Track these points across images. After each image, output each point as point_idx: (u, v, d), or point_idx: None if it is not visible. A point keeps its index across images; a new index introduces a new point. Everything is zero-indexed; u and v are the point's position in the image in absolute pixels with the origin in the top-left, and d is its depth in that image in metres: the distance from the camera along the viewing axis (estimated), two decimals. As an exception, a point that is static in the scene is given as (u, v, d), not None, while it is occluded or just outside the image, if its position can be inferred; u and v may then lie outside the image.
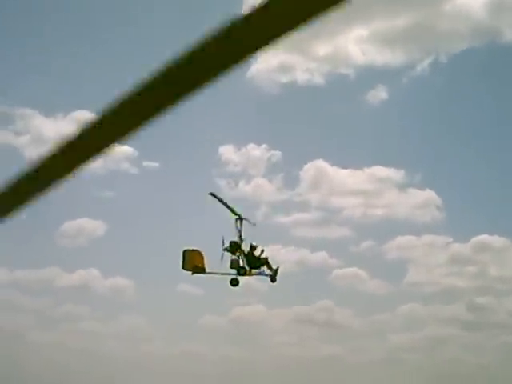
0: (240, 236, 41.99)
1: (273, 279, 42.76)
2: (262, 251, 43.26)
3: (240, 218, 42.16)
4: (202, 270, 42.06)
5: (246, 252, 42.25)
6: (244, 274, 42.25)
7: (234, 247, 42.20)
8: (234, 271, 42.13)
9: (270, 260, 43.08)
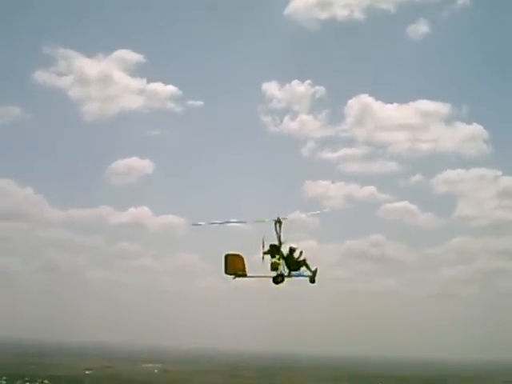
0: (279, 238, 42.77)
1: (312, 280, 43.59)
2: (301, 253, 44.65)
3: (279, 221, 42.63)
4: (244, 275, 43.01)
5: (285, 255, 43.41)
6: (282, 281, 43.05)
7: (274, 250, 43.42)
8: (274, 273, 43.53)
9: (308, 261, 42.77)
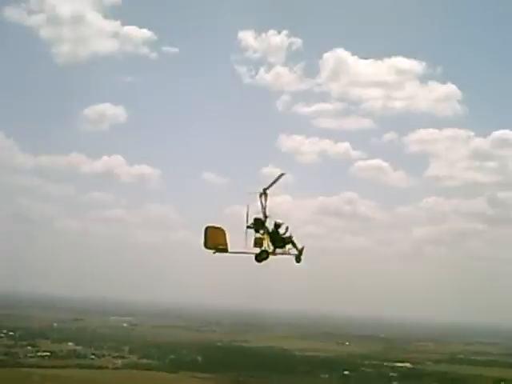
0: (264, 212, 39.91)
1: (298, 259, 41.31)
2: (287, 229, 41.44)
3: (265, 193, 39.76)
4: (225, 250, 39.93)
5: (270, 230, 40.30)
6: (265, 259, 40.17)
7: (258, 224, 40.48)
8: (257, 249, 40.18)
9: (294, 239, 41.08)
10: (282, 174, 41.01)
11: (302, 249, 40.89)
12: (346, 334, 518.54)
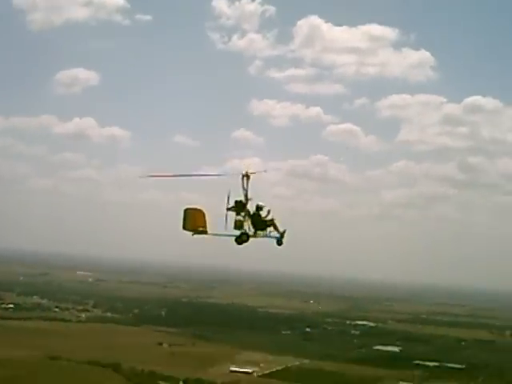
0: (246, 195, 38.55)
1: (279, 242, 40.30)
2: (269, 212, 40.34)
3: (247, 175, 38.45)
4: (204, 231, 38.69)
5: (251, 213, 39.25)
6: (246, 241, 39.39)
7: (239, 207, 39.05)
8: (238, 232, 39.13)
9: (276, 221, 40.12)
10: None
11: (284, 232, 40.26)
12: (313, 293, 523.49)
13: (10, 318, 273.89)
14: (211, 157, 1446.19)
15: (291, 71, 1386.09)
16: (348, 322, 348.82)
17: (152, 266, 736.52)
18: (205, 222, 37.90)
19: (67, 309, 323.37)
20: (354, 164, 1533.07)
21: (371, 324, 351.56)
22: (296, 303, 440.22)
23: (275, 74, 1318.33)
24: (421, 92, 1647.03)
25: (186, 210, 38.40)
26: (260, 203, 39.05)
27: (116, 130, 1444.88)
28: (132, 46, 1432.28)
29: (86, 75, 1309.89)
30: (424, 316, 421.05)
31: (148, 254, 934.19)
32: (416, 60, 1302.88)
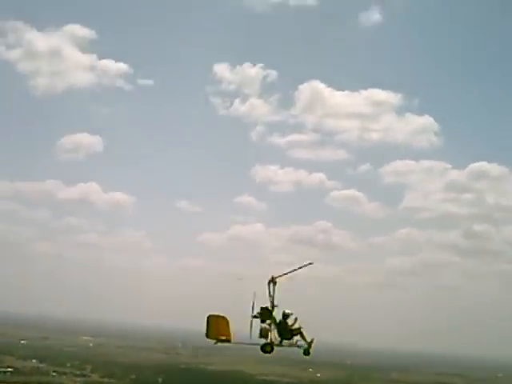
0: (272, 301, 38.75)
1: (306, 352, 39.84)
2: (296, 320, 40.32)
3: (273, 281, 38.66)
4: (227, 340, 38.97)
5: (277, 321, 39.13)
6: (271, 351, 39.46)
7: (265, 314, 39.23)
8: (263, 340, 39.16)
9: (303, 330, 39.98)
10: (310, 263, 40.95)
11: (312, 341, 39.65)
12: (312, 361, 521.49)
13: (7, 382, 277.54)
14: (213, 222, 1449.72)
15: (293, 136, 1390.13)
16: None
17: (153, 331, 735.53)
18: (228, 330, 38.50)
19: (65, 373, 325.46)
20: (358, 230, 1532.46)
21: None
22: (295, 371, 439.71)
23: (277, 139, 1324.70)
24: (424, 158, 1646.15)
25: (208, 317, 38.56)
26: (287, 311, 39.45)
27: (120, 195, 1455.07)
28: (134, 111, 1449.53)
29: (90, 140, 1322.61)
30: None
31: (150, 319, 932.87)
32: (419, 125, 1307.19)
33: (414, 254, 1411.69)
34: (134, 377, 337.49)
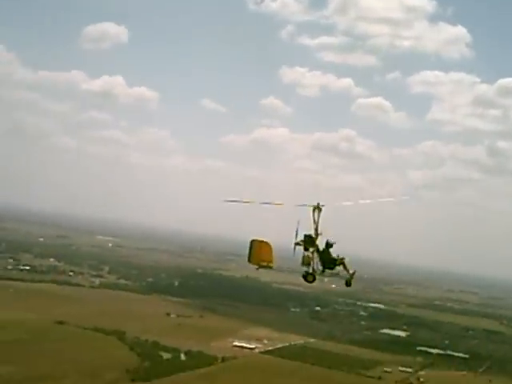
0: (316, 229, 36.46)
1: (348, 283, 38.55)
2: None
3: (318, 207, 36.12)
4: (269, 266, 37.32)
5: (321, 249, 37.11)
6: (313, 281, 37.65)
7: (308, 242, 36.93)
8: (305, 268, 37.31)
9: (346, 261, 38.24)
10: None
11: (354, 273, 37.96)
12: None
13: (23, 280, 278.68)
14: (239, 124, 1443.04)
15: (323, 39, 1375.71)
16: (359, 303, 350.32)
17: (172, 234, 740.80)
18: (271, 256, 36.78)
19: (81, 273, 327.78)
20: (382, 140, 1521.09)
21: (382, 307, 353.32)
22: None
23: (307, 40, 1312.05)
24: (454, 70, 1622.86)
25: (252, 242, 36.95)
26: (331, 240, 37.23)
27: (144, 90, 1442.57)
28: (164, 4, 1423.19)
29: (115, 30, 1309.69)
30: (436, 302, 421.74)
31: (170, 221, 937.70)
32: (452, 35, 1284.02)
33: (436, 168, 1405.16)
34: (150, 279, 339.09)
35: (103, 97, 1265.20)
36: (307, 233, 36.65)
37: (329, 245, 37.00)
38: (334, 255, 36.62)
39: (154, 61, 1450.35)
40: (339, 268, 37.52)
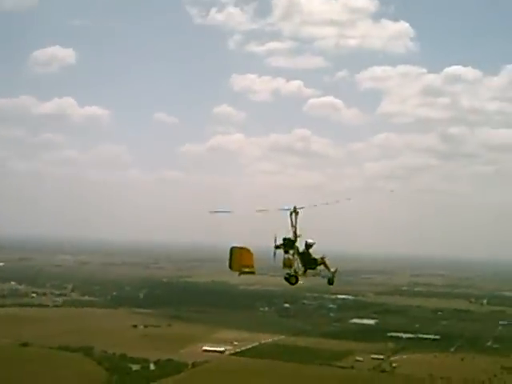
0: (295, 232, 36.25)
1: (330, 281, 38.04)
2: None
3: (295, 211, 36.17)
4: (251, 272, 36.97)
5: (300, 250, 37.07)
6: (296, 282, 37.32)
7: (288, 245, 36.71)
8: (287, 270, 37.47)
9: (327, 260, 38.10)
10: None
11: (335, 271, 37.59)
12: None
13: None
14: (193, 133, 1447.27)
15: (271, 45, 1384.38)
16: (327, 296, 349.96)
17: (137, 247, 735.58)
18: (252, 261, 36.59)
19: (44, 294, 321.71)
20: (337, 137, 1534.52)
21: (350, 297, 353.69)
22: (279, 279, 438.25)
23: (255, 48, 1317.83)
24: (401, 63, 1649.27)
25: (232, 249, 36.68)
26: (310, 240, 35.94)
27: (96, 109, 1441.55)
28: (108, 21, 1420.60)
29: (63, 53, 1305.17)
30: (404, 288, 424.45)
31: (133, 234, 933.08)
32: (395, 31, 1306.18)
33: (393, 159, 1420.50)
34: (115, 293, 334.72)
35: (56, 119, 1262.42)
36: (286, 236, 36.52)
37: (308, 246, 37.10)
38: (315, 255, 36.73)
39: (104, 79, 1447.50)
40: (320, 267, 37.76)
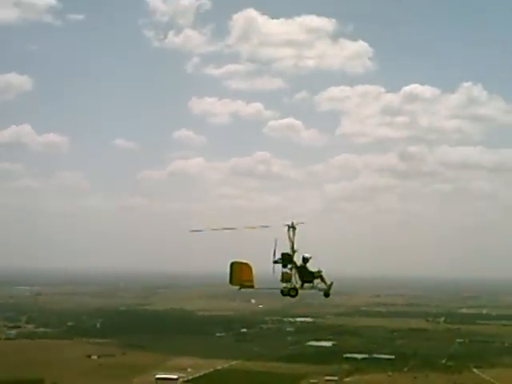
0: (292, 247, 37.77)
1: (326, 294, 39.75)
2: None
3: (292, 226, 37.59)
4: (251, 286, 38.17)
5: (298, 265, 38.33)
6: (295, 296, 38.76)
7: (286, 260, 38.14)
8: (284, 284, 38.69)
9: (323, 274, 39.52)
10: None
11: (331, 284, 39.63)
12: (256, 292, 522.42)
13: None
14: (153, 158, 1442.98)
15: (229, 67, 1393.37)
16: (286, 320, 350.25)
17: (95, 276, 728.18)
18: (251, 276, 37.89)
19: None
20: (297, 159, 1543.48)
21: (309, 320, 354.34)
22: (237, 304, 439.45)
23: (213, 70, 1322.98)
24: (360, 83, 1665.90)
25: (232, 264, 37.93)
26: (306, 255, 38.80)
27: (54, 137, 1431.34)
28: (65, 47, 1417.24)
29: (19, 80, 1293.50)
30: (363, 308, 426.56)
31: (91, 263, 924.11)
32: (354, 51, 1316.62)
33: (353, 179, 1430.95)
34: (70, 324, 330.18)
35: (13, 147, 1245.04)
36: (284, 251, 37.79)
37: (305, 259, 38.43)
38: (312, 269, 38.05)
39: (61, 106, 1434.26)
40: (317, 281, 39.19)
